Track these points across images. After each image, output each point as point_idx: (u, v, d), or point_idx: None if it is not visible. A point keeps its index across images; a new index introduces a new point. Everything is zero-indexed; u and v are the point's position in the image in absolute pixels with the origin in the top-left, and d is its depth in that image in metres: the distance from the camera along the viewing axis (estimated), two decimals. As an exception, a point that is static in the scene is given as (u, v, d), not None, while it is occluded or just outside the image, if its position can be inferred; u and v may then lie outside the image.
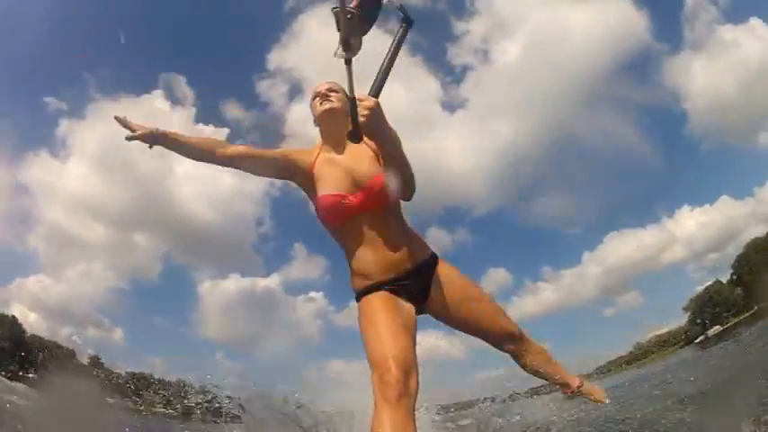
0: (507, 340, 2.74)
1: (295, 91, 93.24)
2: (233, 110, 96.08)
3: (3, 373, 34.70)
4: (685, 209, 73.81)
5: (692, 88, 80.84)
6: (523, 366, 2.81)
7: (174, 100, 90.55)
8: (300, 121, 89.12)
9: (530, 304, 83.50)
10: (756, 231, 46.65)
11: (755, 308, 37.66)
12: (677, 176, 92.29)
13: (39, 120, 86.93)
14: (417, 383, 2.17)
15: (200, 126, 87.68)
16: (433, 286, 2.63)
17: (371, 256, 2.51)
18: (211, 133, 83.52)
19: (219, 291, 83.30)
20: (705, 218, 69.38)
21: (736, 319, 37.56)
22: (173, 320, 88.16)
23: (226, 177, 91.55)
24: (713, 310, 40.47)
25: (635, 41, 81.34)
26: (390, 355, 2.16)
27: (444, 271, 2.68)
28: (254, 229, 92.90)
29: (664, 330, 44.95)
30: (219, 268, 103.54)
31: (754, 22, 72.36)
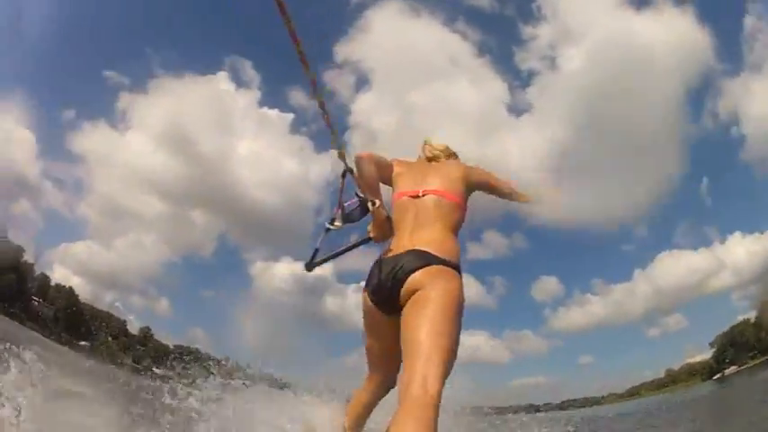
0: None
1: (361, 82, 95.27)
2: (298, 97, 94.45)
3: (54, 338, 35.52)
4: (737, 235, 70.85)
5: (750, 112, 77.89)
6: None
7: (240, 82, 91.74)
8: (364, 112, 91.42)
9: (577, 316, 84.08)
10: None
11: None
12: (731, 202, 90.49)
13: (98, 92, 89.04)
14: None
15: (265, 109, 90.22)
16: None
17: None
18: (276, 117, 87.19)
19: (271, 273, 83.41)
20: (756, 246, 65.21)
21: (754, 362, 38.90)
22: (222, 296, 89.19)
23: (288, 163, 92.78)
24: (734, 349, 41.93)
25: (698, 60, 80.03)
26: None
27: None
28: (313, 217, 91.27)
29: (696, 359, 45.15)
30: (273, 252, 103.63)
31: None
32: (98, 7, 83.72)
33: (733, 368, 38.31)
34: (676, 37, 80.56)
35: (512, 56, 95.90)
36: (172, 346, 46.68)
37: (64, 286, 45.24)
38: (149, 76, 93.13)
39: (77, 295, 45.16)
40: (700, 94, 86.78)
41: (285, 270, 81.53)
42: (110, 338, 41.39)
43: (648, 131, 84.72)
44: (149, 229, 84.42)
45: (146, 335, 47.20)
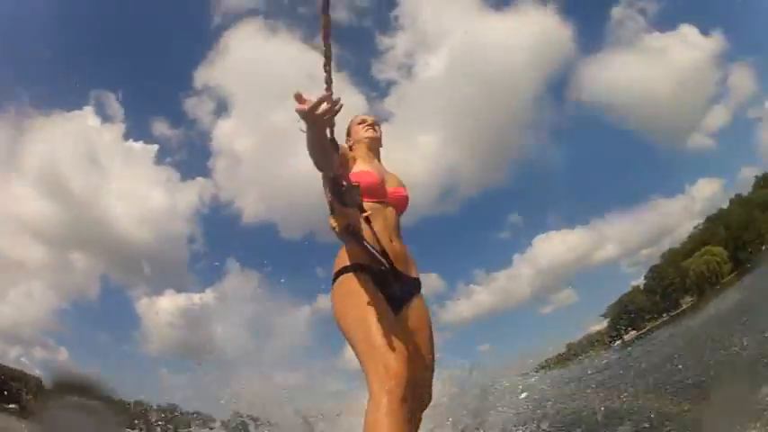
0: (415, 396, 2.27)
1: (221, 108, 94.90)
2: (161, 127, 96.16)
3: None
4: (614, 212, 79.02)
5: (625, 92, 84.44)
6: None
7: (105, 117, 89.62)
8: (226, 136, 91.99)
9: (465, 308, 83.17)
10: (689, 226, 50.40)
11: (665, 316, 42.34)
12: (604, 179, 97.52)
13: None
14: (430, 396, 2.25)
15: (130, 142, 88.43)
16: (405, 310, 2.52)
17: (381, 241, 2.46)
18: (141, 150, 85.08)
19: (157, 308, 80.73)
20: (636, 217, 72.95)
21: (651, 324, 42.00)
22: (115, 338, 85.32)
23: (156, 195, 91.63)
24: (629, 316, 43.97)
25: (558, 51, 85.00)
26: (394, 345, 2.06)
27: (419, 303, 2.60)
28: (187, 246, 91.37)
29: (595, 329, 46.48)
30: (155, 286, 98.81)
31: (685, 29, 76.96)
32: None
33: (632, 333, 41.63)
34: (536, 34, 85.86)
35: (369, 67, 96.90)
36: (85, 396, 46.27)
37: None
38: (25, 116, 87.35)
39: None
40: (561, 83, 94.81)
41: (169, 303, 79.27)
42: (30, 397, 40.17)
43: (509, 125, 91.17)
44: (35, 277, 79.68)
45: (61, 389, 45.49)
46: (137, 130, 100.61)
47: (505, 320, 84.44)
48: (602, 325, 47.70)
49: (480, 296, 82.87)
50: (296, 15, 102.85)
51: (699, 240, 45.99)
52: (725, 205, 47.45)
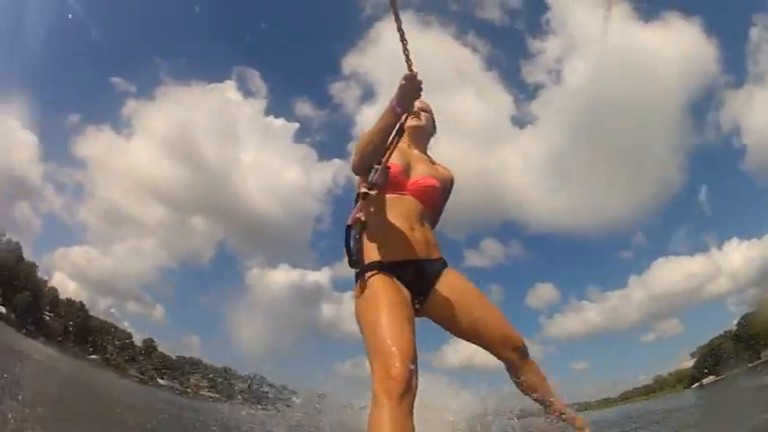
0: (509, 349, 2.63)
1: (367, 95, 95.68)
2: (305, 107, 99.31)
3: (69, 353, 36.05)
4: (734, 241, 73.43)
5: (752, 123, 78.80)
6: (518, 382, 2.67)
7: (247, 92, 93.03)
8: (369, 123, 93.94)
9: (573, 323, 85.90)
10: None
11: (748, 365, 41.38)
12: (731, 208, 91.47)
13: (104, 98, 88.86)
14: (417, 382, 2.11)
15: (270, 118, 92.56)
16: (436, 288, 2.62)
17: (399, 234, 2.59)
18: (281, 126, 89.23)
19: (268, 280, 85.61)
20: (752, 252, 68.04)
21: (729, 372, 41.44)
22: (217, 303, 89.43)
23: (291, 173, 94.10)
24: (713, 359, 43.18)
25: (703, 72, 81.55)
26: (396, 348, 2.12)
27: (450, 277, 2.69)
28: (312, 225, 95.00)
29: (684, 366, 46.91)
30: (271, 259, 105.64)
31: None
32: (107, 12, 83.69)
33: (711, 378, 40.75)
34: (682, 48, 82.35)
35: (519, 70, 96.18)
36: (174, 357, 48.68)
37: (74, 301, 46.67)
38: (156, 84, 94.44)
39: (87, 309, 46.41)
40: (702, 104, 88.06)
41: (282, 277, 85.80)
42: (116, 351, 42.88)
43: (649, 141, 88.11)
44: (148, 234, 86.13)
45: (149, 346, 48.21)
46: (279, 107, 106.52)
47: (608, 342, 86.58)
48: (690, 363, 47.03)
49: (590, 314, 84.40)
50: (448, 11, 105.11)
51: None
52: None
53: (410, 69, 2.52)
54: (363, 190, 2.56)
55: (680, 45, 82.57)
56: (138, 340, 49.09)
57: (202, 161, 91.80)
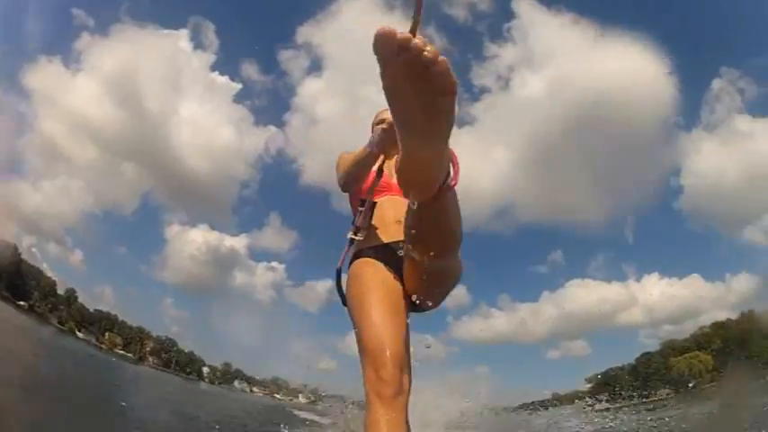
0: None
1: (314, 67, 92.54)
2: (251, 69, 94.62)
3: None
4: (654, 276, 73.38)
5: (694, 167, 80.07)
6: None
7: (198, 44, 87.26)
8: (310, 96, 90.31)
9: (479, 328, 79.86)
10: (719, 315, 50.44)
11: (643, 400, 44.63)
12: (656, 245, 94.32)
13: (62, 30, 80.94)
14: (410, 381, 2.16)
15: (215, 74, 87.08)
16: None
17: (387, 226, 2.62)
18: (223, 84, 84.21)
19: (186, 238, 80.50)
20: (671, 290, 69.06)
21: (623, 404, 44.92)
22: (135, 256, 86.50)
23: (225, 132, 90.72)
24: (610, 389, 44.66)
25: (657, 108, 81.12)
26: (387, 348, 2.10)
27: None
28: (238, 189, 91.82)
29: (582, 388, 47.75)
30: (192, 217, 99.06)
31: None
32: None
33: (604, 404, 44.08)
34: (641, 78, 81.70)
35: (469, 70, 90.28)
36: (92, 310, 49.24)
37: (9, 243, 45.41)
38: (114, 21, 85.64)
39: (20, 252, 45.51)
40: (649, 139, 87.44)
41: (200, 237, 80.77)
42: (41, 299, 43.46)
43: (587, 163, 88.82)
44: (78, 175, 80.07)
45: (70, 297, 47.29)
46: (226, 64, 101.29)
47: (513, 352, 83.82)
48: (587, 386, 48.68)
49: (498, 321, 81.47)
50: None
51: (696, 341, 47.50)
52: (759, 305, 47.58)
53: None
54: (350, 235, 2.62)
55: (640, 77, 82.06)
56: (60, 288, 48.29)
57: (142, 107, 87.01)
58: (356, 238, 2.63)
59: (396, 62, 1.20)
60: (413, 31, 1.96)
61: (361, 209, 2.65)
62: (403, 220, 2.50)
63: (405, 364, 2.16)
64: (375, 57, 1.21)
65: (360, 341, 2.25)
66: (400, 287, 2.46)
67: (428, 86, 1.22)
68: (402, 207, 2.55)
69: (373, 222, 2.66)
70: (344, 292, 2.60)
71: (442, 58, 1.20)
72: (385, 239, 2.60)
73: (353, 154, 2.70)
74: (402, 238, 2.43)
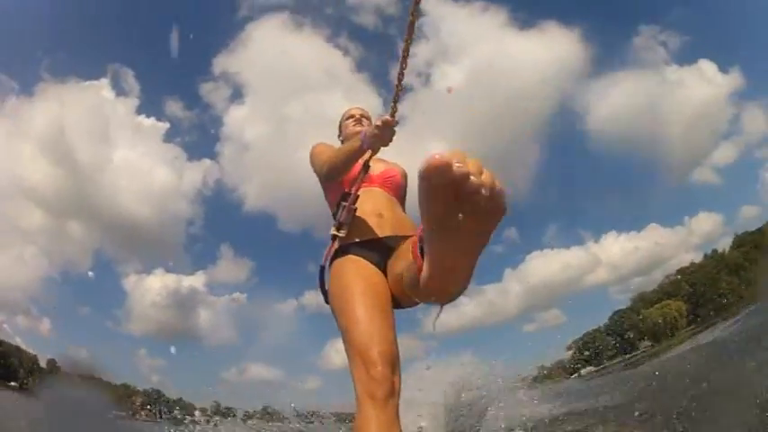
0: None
1: (236, 95, 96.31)
2: (175, 107, 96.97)
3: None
4: (612, 234, 75.55)
5: (602, 112, 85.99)
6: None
7: (120, 90, 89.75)
8: (237, 123, 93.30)
9: (451, 318, 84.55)
10: (686, 258, 51.98)
11: (626, 356, 44.11)
12: (606, 204, 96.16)
13: None
14: (401, 379, 2.06)
15: (142, 117, 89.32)
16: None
17: (367, 219, 2.59)
18: (151, 126, 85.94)
19: (145, 286, 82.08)
20: (632, 244, 71.04)
21: (609, 363, 43.42)
22: (99, 314, 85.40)
23: (161, 173, 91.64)
24: (591, 352, 46.22)
25: (574, 72, 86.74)
26: (375, 346, 2.04)
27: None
28: (185, 228, 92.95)
29: (566, 356, 48.21)
30: (147, 264, 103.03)
31: (704, 64, 77.31)
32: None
33: (590, 368, 45.23)
34: (556, 56, 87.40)
35: (388, 72, 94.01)
36: (77, 376, 49.37)
37: None
38: (37, 80, 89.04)
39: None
40: (573, 102, 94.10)
41: (157, 283, 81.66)
42: (27, 375, 43.22)
43: (517, 143, 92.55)
44: (30, 242, 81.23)
45: (53, 367, 45.80)
46: (150, 106, 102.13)
47: (489, 334, 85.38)
48: (569, 354, 49.23)
49: (467, 308, 78.96)
50: (323, 14, 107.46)
51: (665, 291, 49.18)
52: (723, 241, 49.86)
53: (392, 116, 2.43)
54: (333, 231, 2.56)
55: (554, 51, 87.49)
56: (42, 361, 47.32)
57: (76, 162, 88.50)
58: (339, 234, 2.56)
59: (446, 192, 1.02)
60: (392, 115, 2.33)
61: (343, 203, 2.57)
62: (383, 212, 2.64)
63: (396, 363, 2.08)
64: (420, 179, 1.01)
65: (347, 340, 2.19)
66: (385, 283, 2.38)
67: (477, 209, 1.05)
68: (381, 199, 2.73)
69: (353, 222, 2.60)
70: (327, 289, 2.52)
71: (499, 188, 1.03)
72: (367, 235, 2.55)
73: (342, 148, 2.72)
74: (385, 233, 2.53)
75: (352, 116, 3.15)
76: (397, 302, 2.36)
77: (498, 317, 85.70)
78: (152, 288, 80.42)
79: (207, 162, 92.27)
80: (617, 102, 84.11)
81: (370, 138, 2.43)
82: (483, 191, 0.99)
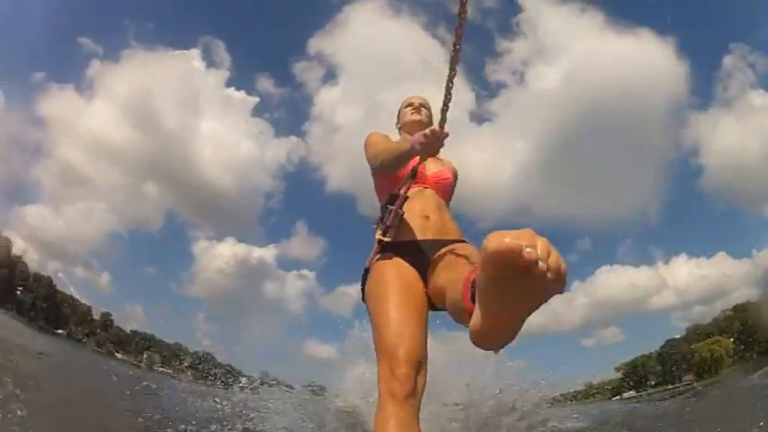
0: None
1: (329, 76, 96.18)
2: (266, 83, 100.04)
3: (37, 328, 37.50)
4: (682, 257, 74.07)
5: (713, 146, 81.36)
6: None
7: (211, 62, 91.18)
8: (328, 105, 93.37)
9: None
10: (748, 293, 50.35)
11: (667, 387, 43.80)
12: (681, 226, 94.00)
13: (71, 58, 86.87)
14: (425, 380, 2.07)
15: (231, 90, 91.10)
16: (432, 259, 2.44)
17: (413, 222, 2.57)
18: (240, 100, 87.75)
19: (214, 253, 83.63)
20: (700, 270, 69.36)
21: (652, 390, 43.60)
22: (164, 274, 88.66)
23: (246, 145, 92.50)
24: (637, 377, 46.94)
25: (672, 90, 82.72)
26: (403, 346, 2.05)
27: (456, 245, 2.46)
28: (263, 201, 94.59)
29: (615, 376, 48.44)
30: (218, 232, 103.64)
31: None
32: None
33: (631, 392, 44.83)
34: (652, 64, 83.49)
35: (483, 67, 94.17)
36: (129, 331, 49.70)
37: (42, 275, 47.06)
38: (123, 47, 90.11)
39: (55, 284, 47.36)
40: (668, 122, 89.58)
41: (228, 251, 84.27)
42: (78, 326, 44.91)
43: (616, 152, 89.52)
44: (101, 198, 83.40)
45: (106, 320, 49.12)
46: (241, 80, 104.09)
47: (548, 343, 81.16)
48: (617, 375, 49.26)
49: (532, 315, 80.00)
50: (421, 1, 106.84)
51: (719, 326, 48.06)
52: None
53: (442, 126, 2.43)
54: (379, 236, 2.53)
55: (650, 61, 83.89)
56: (95, 313, 50.05)
57: (160, 128, 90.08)
58: (385, 239, 2.53)
59: (509, 270, 1.08)
60: (441, 126, 2.38)
61: (390, 207, 2.57)
62: (431, 215, 2.64)
63: (422, 364, 2.09)
64: (486, 254, 1.08)
65: (376, 338, 2.21)
66: (422, 285, 2.40)
67: (538, 287, 1.12)
68: (430, 201, 2.72)
69: (400, 224, 2.58)
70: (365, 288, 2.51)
71: (563, 270, 1.08)
72: (411, 236, 2.55)
73: (392, 146, 2.72)
74: (428, 236, 2.55)
75: (411, 104, 3.17)
76: (433, 305, 2.36)
77: (561, 327, 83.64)
78: (221, 255, 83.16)
79: (294, 139, 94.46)
80: (713, 133, 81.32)
81: (419, 147, 2.41)
82: (549, 275, 1.06)
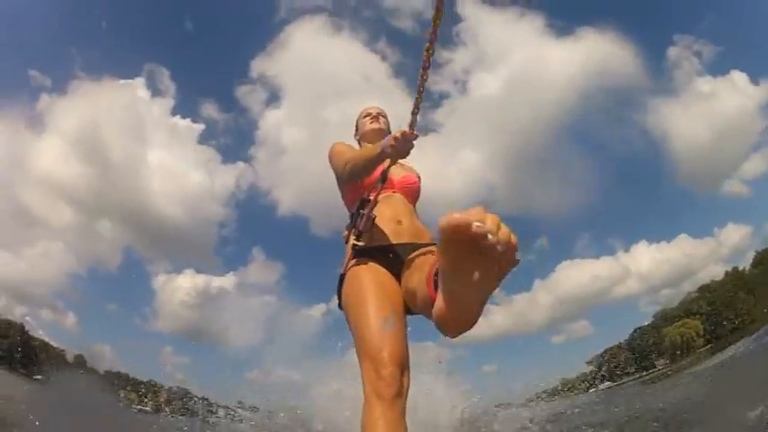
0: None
1: (272, 99, 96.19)
2: (211, 109, 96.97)
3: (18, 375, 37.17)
4: (642, 244, 74.67)
5: (664, 133, 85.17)
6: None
7: (156, 90, 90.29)
8: (272, 127, 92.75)
9: (480, 327, 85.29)
10: (715, 270, 51.29)
11: (641, 374, 44.00)
12: (637, 213, 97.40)
13: (20, 91, 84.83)
14: (409, 381, 2.09)
15: (177, 118, 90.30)
16: (407, 260, 2.46)
17: (385, 226, 2.59)
18: (186, 128, 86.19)
19: (174, 286, 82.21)
20: (661, 254, 70.46)
21: (628, 379, 43.67)
22: (127, 311, 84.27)
23: (195, 175, 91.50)
24: (609, 368, 45.36)
25: (618, 83, 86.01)
26: (386, 348, 2.07)
27: (427, 249, 2.49)
28: (217, 230, 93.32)
29: (589, 369, 47.17)
30: (176, 264, 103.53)
31: (735, 75, 75.75)
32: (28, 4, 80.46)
33: (607, 383, 45.51)
34: (597, 56, 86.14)
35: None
36: (103, 372, 48.11)
37: (15, 322, 46.64)
38: (71, 77, 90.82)
39: (28, 331, 46.71)
40: (616, 115, 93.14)
41: (187, 283, 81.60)
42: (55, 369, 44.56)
43: (560, 150, 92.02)
44: (57, 238, 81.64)
45: (80, 362, 47.89)
46: (185, 107, 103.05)
47: (518, 344, 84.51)
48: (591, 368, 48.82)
49: (497, 317, 79.61)
50: (360, 17, 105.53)
51: (686, 309, 48.91)
52: (750, 255, 48.85)
53: (411, 128, 2.41)
54: (353, 241, 2.57)
55: (594, 54, 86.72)
56: (70, 357, 49.27)
57: (109, 161, 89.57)
58: (359, 244, 2.57)
59: (464, 243, 1.11)
60: (411, 127, 2.36)
61: (362, 211, 2.61)
62: (402, 219, 2.67)
63: (405, 364, 2.11)
64: (441, 231, 1.12)
65: (358, 341, 2.21)
66: (398, 288, 2.42)
67: (492, 261, 1.15)
68: (399, 205, 2.75)
69: (372, 229, 2.61)
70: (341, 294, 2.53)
71: (513, 244, 1.12)
72: (385, 241, 2.56)
73: (361, 152, 2.72)
74: (402, 240, 2.56)
75: (369, 114, 3.20)
76: (409, 309, 2.38)
77: (528, 327, 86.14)
78: (181, 287, 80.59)
79: (241, 165, 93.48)
80: (662, 118, 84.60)
81: (387, 148, 2.39)
82: (498, 247, 1.08)
